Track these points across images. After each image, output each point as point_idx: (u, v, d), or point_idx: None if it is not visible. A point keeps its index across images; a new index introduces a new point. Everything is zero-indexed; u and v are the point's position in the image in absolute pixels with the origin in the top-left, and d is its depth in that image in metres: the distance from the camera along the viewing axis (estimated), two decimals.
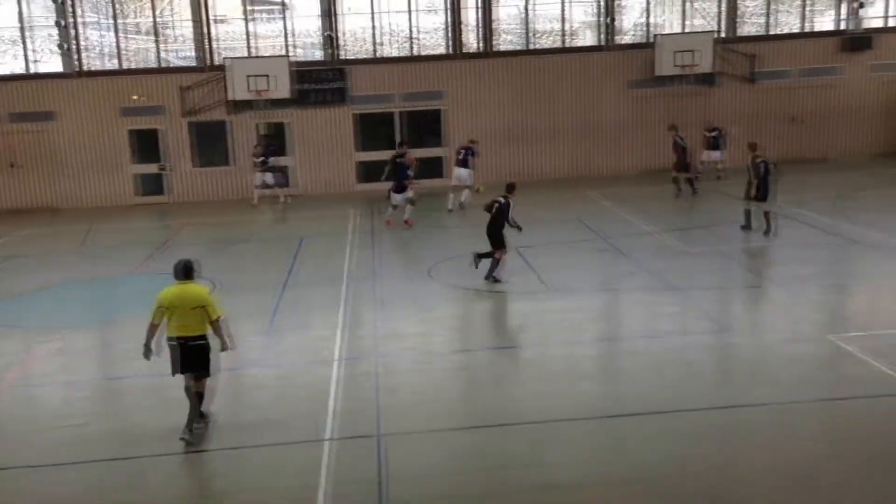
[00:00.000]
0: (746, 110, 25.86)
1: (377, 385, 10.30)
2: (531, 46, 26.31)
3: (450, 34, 25.81)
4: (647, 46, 25.81)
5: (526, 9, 26.03)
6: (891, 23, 26.50)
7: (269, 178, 23.90)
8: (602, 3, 25.99)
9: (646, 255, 15.89)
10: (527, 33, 26.20)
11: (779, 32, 26.73)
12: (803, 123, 26.04)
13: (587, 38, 26.91)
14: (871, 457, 8.09)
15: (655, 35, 25.76)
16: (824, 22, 27.08)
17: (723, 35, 26.11)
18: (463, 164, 21.16)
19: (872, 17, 26.29)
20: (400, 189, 19.83)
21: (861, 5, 25.82)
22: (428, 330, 12.59)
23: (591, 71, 25.91)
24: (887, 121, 26.38)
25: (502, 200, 14.38)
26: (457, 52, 25.82)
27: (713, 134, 23.66)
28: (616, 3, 25.90)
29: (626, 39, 26.51)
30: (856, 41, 25.77)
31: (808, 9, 26.64)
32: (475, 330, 13.01)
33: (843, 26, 26.32)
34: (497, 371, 10.97)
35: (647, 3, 26.15)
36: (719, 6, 26.35)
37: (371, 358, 11.25)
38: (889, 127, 26.40)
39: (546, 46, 26.57)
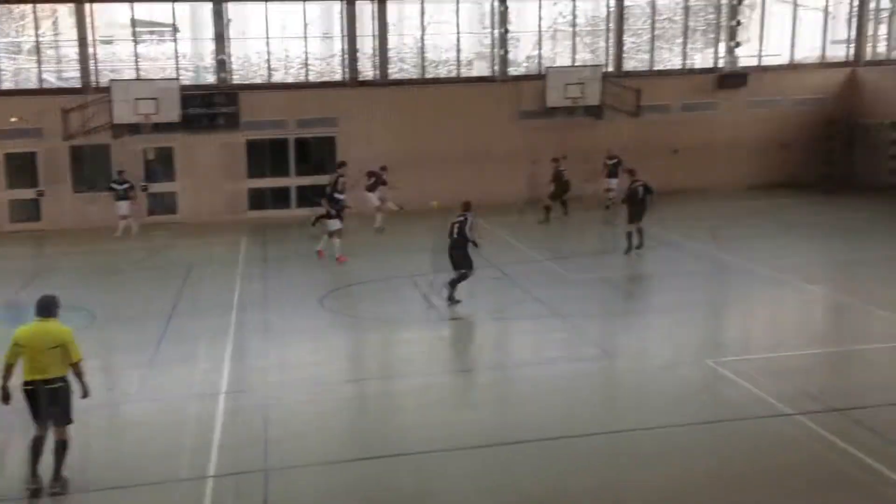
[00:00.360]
0: (632, 142, 26.74)
1: (265, 417, 10.09)
2: (426, 76, 26.62)
3: (345, 61, 25.84)
4: (538, 78, 26.48)
5: (422, 38, 26.34)
6: (764, 62, 28.04)
7: (123, 207, 22.43)
8: (496, 35, 26.56)
9: (534, 283, 16.19)
10: (422, 63, 26.50)
11: (661, 69, 27.92)
12: (677, 154, 27.08)
13: (481, 69, 27.44)
14: (748, 475, 8.43)
15: (546, 68, 26.47)
16: (703, 59, 28.46)
17: (610, 69, 27.05)
18: (371, 188, 21.95)
19: (747, 56, 27.78)
20: (335, 216, 18.46)
21: (737, 44, 27.25)
22: (318, 360, 12.45)
23: (484, 101, 26.37)
24: (761, 154, 27.82)
25: (461, 219, 14.38)
26: (352, 79, 25.86)
27: (613, 161, 24.42)
28: (509, 35, 26.51)
29: (519, 71, 27.15)
30: (731, 78, 27.16)
31: (688, 46, 27.94)
32: (366, 360, 12.95)
33: (720, 64, 27.69)
34: (387, 401, 10.94)
35: (539, 36, 26.87)
36: (606, 42, 27.31)
37: (259, 389, 11.03)
38: (762, 160, 27.83)
39: (441, 76, 26.94)
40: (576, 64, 27.01)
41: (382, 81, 26.05)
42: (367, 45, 26.04)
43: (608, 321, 14.27)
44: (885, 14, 27.53)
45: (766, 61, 28.04)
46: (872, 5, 27.69)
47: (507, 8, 26.22)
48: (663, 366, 11.71)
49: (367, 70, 26.11)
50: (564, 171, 23.00)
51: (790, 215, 22.55)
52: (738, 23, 27.12)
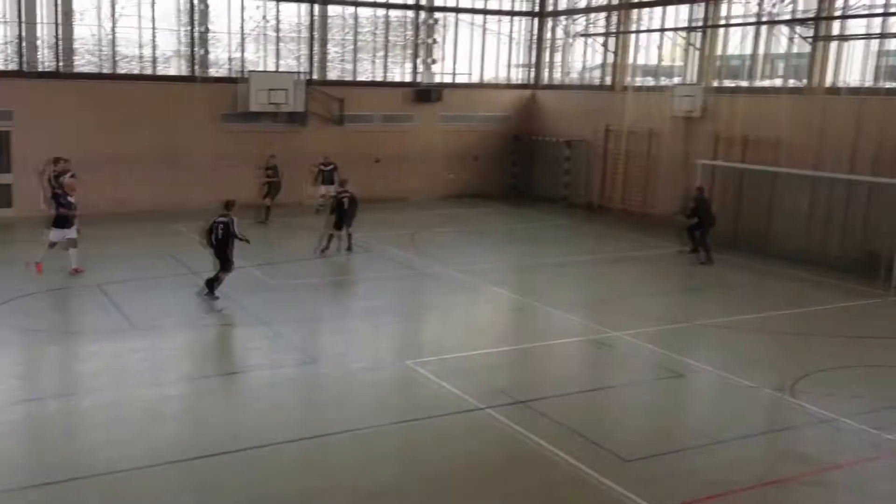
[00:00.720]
0: (336, 150, 27.07)
1: None
2: (118, 70, 24.97)
3: (22, 49, 23.45)
4: (239, 81, 25.92)
5: (114, 31, 24.64)
6: (457, 79, 29.82)
7: None
8: (193, 34, 25.59)
9: (236, 290, 15.81)
10: (113, 56, 24.81)
11: (363, 79, 28.65)
12: (378, 163, 27.96)
13: (179, 68, 26.28)
14: (447, 471, 8.88)
15: (249, 71, 25.99)
16: (402, 73, 29.65)
17: (313, 77, 27.22)
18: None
19: (441, 73, 29.39)
20: (62, 222, 15.95)
21: (432, 61, 28.72)
22: None
23: (182, 101, 25.29)
24: (451, 166, 29.45)
25: (224, 219, 14.63)
26: (30, 69, 23.54)
27: (329, 168, 24.50)
28: (208, 35, 25.66)
29: (221, 73, 26.39)
30: (427, 93, 28.56)
31: (388, 60, 28.93)
32: (44, 376, 11.78)
33: (418, 79, 29.01)
34: (70, 420, 10.06)
35: (242, 38, 26.32)
36: (310, 49, 27.46)
37: None
38: (453, 171, 29.46)
39: (134, 72, 25.42)
40: (279, 69, 26.84)
41: (66, 73, 24.00)
42: (47, 34, 23.85)
43: (310, 326, 14.32)
44: (559, 44, 30.50)
45: (459, 79, 29.86)
46: (549, 35, 30.56)
47: (207, 6, 25.35)
48: (365, 368, 11.99)
49: (49, 60, 23.92)
50: (272, 172, 23.15)
51: (480, 224, 24.18)
52: (434, 41, 28.60)
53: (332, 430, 9.72)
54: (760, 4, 22.97)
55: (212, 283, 14.92)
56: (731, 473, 8.78)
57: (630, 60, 26.99)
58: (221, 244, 14.74)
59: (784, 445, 9.64)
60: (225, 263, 14.91)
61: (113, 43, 24.73)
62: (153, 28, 25.08)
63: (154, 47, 25.36)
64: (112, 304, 14.53)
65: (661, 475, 8.77)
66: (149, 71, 25.42)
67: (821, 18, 20.85)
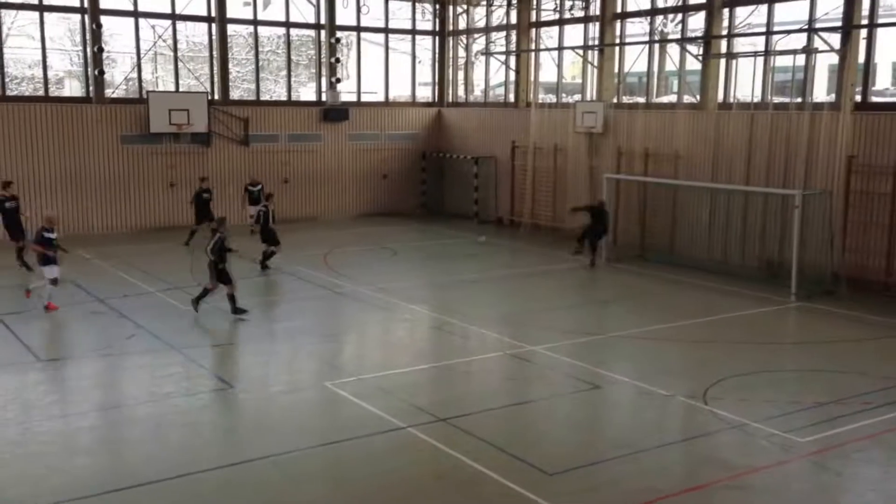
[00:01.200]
0: (243, 170, 26.73)
1: None
2: (8, 93, 23.96)
3: None
4: (139, 102, 25.25)
5: (1, 52, 23.63)
6: (363, 98, 29.80)
7: None
8: (88, 55, 24.76)
9: (146, 316, 15.34)
10: (2, 78, 23.77)
11: (268, 99, 28.31)
12: (287, 183, 27.68)
13: (74, 89, 25.39)
14: (372, 491, 8.78)
15: (148, 92, 25.33)
16: (307, 93, 29.44)
17: (215, 97, 26.74)
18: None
19: (347, 92, 29.32)
20: (47, 259, 15.41)
21: (337, 80, 28.62)
22: None
23: (80, 123, 24.46)
24: (364, 185, 29.48)
25: (218, 237, 15.27)
26: None
27: (257, 188, 24.05)
28: (104, 55, 24.88)
29: (118, 93, 25.63)
30: (334, 112, 28.43)
31: (293, 79, 28.69)
32: None
33: (323, 98, 28.84)
34: None
35: (138, 58, 25.63)
36: (211, 69, 26.97)
37: None
38: (365, 190, 29.50)
39: (25, 94, 24.45)
40: (180, 90, 26.26)
41: None
42: None
43: (226, 351, 14.00)
44: (461, 63, 30.87)
45: (365, 98, 29.85)
46: (451, 54, 30.90)
47: (100, 26, 24.56)
48: (283, 391, 11.80)
49: None
50: (207, 195, 22.71)
51: (392, 242, 24.14)
52: (337, 60, 28.52)
53: (252, 456, 9.49)
54: (652, 24, 23.84)
55: (234, 303, 15.43)
56: (654, 481, 8.99)
57: (532, 78, 27.54)
58: (217, 260, 15.31)
59: (702, 452, 9.92)
60: (226, 279, 15.40)
61: (1, 64, 23.71)
62: (42, 48, 24.15)
63: (45, 68, 24.43)
64: (12, 334, 13.86)
65: (586, 487, 8.91)
66: (41, 92, 24.50)
67: (709, 38, 21.77)
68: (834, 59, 19.51)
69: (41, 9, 24.03)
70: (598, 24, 24.89)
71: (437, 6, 30.26)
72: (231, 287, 15.46)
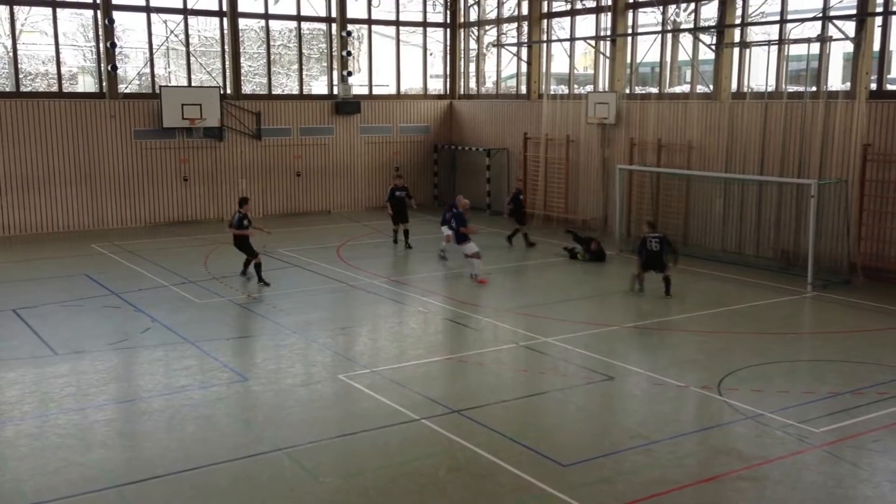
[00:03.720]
0: (255, 164, 26.83)
1: None
2: (22, 89, 24.09)
3: None
4: (152, 97, 25.34)
5: (14, 47, 23.76)
6: (375, 91, 29.78)
7: None
8: (101, 51, 24.86)
9: (162, 310, 15.42)
10: (16, 74, 23.89)
11: (280, 93, 28.34)
12: (300, 177, 27.73)
13: (87, 85, 25.50)
14: (388, 483, 8.79)
15: (160, 87, 25.41)
16: (319, 86, 29.45)
17: (228, 92, 26.79)
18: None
19: (359, 85, 29.31)
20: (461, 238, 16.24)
21: (349, 73, 28.61)
22: None
23: (93, 119, 24.58)
24: (373, 177, 29.47)
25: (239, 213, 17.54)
26: None
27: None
28: (117, 51, 24.98)
29: (131, 89, 25.72)
30: (346, 105, 28.43)
31: (305, 73, 28.70)
32: None
33: (335, 91, 28.85)
34: None
35: (151, 53, 25.70)
36: (223, 63, 27.02)
37: None
38: (376, 182, 29.46)
39: (40, 90, 24.58)
40: (192, 84, 26.33)
41: None
42: None
43: (240, 344, 14.05)
44: (473, 55, 30.79)
45: (376, 91, 29.83)
46: (463, 46, 30.83)
47: (113, 21, 24.66)
48: (298, 384, 11.83)
49: None
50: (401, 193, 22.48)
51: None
52: (349, 53, 28.50)
53: (267, 449, 9.54)
54: (664, 13, 23.69)
55: (259, 274, 17.41)
56: (668, 473, 8.97)
57: (544, 69, 27.44)
58: (241, 238, 17.43)
59: (716, 442, 9.88)
60: (250, 251, 17.48)
61: (15, 60, 23.83)
62: (55, 44, 24.26)
63: (58, 64, 24.55)
64: (29, 328, 13.97)
65: (600, 478, 8.89)
66: (55, 88, 24.63)
67: (723, 26, 21.62)
68: (848, 47, 19.34)
69: (54, 5, 24.17)
70: (610, 14, 24.76)
71: None
72: (257, 259, 17.55)
